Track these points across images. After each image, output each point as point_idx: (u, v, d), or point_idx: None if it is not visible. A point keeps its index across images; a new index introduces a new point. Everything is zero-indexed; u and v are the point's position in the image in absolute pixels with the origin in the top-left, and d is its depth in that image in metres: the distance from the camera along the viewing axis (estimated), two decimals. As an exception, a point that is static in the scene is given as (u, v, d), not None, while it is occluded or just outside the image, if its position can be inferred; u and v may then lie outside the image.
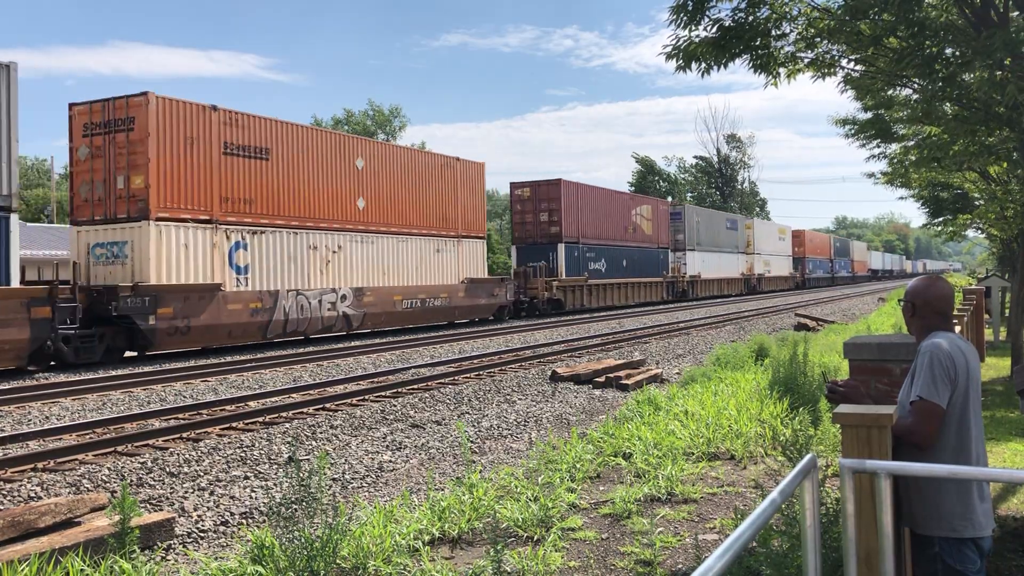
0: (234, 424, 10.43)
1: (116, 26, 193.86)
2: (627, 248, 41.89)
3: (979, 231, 23.35)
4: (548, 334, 24.08)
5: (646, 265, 43.64)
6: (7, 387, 13.77)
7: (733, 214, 62.72)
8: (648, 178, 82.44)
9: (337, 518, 5.09)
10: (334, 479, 8.08)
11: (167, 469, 8.28)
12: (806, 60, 7.24)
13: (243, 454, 8.92)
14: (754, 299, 50.32)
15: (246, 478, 8.10)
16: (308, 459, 8.67)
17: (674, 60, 6.76)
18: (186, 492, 7.55)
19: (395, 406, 11.76)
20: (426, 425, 10.70)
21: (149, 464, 8.40)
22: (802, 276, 72.72)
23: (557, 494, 6.40)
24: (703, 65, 6.79)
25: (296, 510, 5.15)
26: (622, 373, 14.34)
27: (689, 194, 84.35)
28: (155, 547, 5.99)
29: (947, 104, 8.64)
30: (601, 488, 6.97)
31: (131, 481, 7.85)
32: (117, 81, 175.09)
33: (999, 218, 14.98)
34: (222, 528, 6.66)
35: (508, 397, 12.85)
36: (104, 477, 7.99)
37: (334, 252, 23.47)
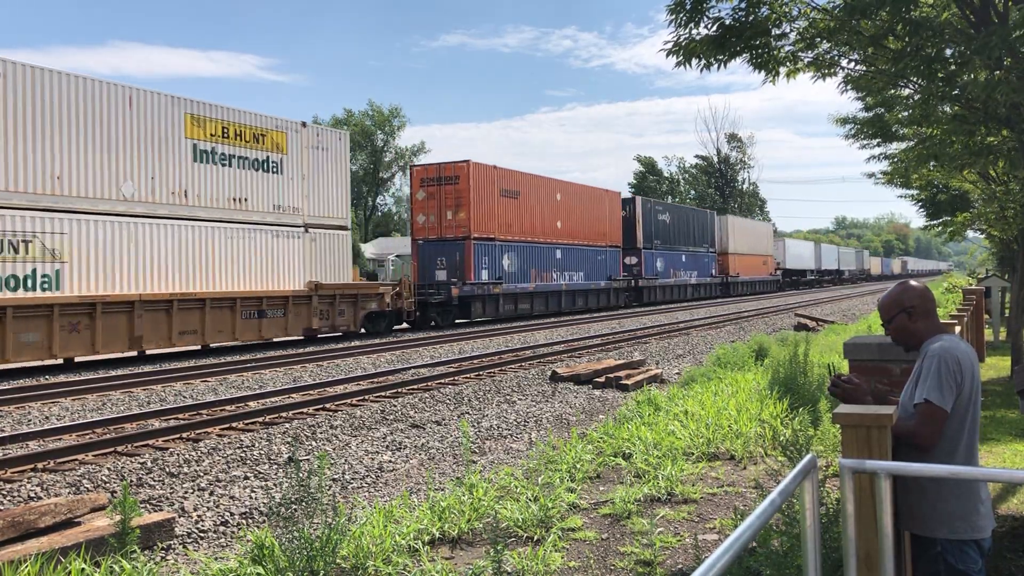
0: (234, 424, 10.43)
1: (116, 26, 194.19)
2: None
3: (979, 232, 23.31)
4: (548, 334, 24.09)
5: None
6: (7, 387, 13.77)
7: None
8: (648, 178, 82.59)
9: (337, 518, 5.08)
10: (334, 479, 8.08)
11: (167, 469, 8.27)
12: (806, 60, 7.24)
13: (243, 454, 8.92)
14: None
15: (246, 478, 8.09)
16: (308, 459, 8.67)
17: (674, 56, 6.75)
18: (186, 492, 7.55)
19: (395, 406, 11.75)
20: (426, 425, 10.70)
21: (149, 464, 8.40)
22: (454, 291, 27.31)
23: (557, 494, 6.39)
24: (703, 62, 6.79)
25: (296, 510, 5.15)
26: (622, 373, 14.33)
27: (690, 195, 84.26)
28: (155, 547, 5.99)
29: (946, 104, 8.62)
30: (601, 488, 6.97)
31: (131, 481, 7.84)
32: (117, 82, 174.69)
33: (999, 218, 14.96)
34: (222, 528, 6.66)
35: (508, 397, 12.84)
36: (104, 477, 7.98)
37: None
